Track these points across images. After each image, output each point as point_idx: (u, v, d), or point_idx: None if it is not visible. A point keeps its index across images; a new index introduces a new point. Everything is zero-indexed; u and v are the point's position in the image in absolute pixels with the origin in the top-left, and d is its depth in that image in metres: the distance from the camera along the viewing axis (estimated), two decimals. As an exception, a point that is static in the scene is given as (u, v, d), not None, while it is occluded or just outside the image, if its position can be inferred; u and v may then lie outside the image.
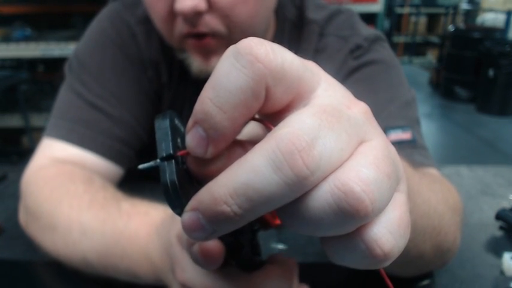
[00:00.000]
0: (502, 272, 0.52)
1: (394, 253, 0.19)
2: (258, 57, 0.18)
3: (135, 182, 0.57)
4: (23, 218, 0.55)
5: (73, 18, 2.74)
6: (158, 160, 0.20)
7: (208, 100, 0.18)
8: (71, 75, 0.63)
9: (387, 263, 0.19)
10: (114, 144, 0.60)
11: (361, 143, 0.19)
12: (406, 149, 0.54)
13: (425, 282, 0.49)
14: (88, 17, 0.71)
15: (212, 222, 0.18)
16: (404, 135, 0.56)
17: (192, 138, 0.19)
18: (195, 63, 0.57)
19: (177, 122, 0.22)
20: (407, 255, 0.39)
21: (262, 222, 0.33)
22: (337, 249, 0.19)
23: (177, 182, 0.19)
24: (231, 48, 0.19)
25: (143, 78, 0.64)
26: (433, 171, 0.53)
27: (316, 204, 0.18)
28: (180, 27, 0.53)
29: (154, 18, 0.56)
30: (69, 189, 0.52)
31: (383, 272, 0.23)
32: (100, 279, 0.47)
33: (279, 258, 0.34)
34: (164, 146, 0.20)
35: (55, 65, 2.43)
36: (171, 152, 0.20)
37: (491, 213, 0.63)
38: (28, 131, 2.52)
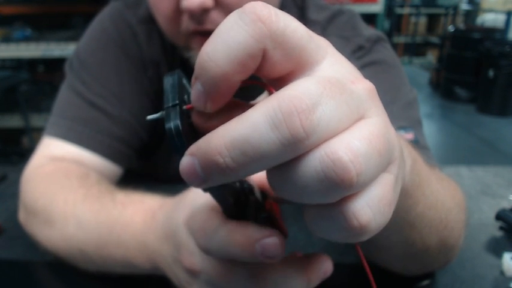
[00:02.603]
0: (502, 272, 0.52)
1: (370, 227, 0.19)
2: (261, 17, 0.19)
3: (134, 182, 0.57)
4: (22, 216, 0.55)
5: (73, 18, 2.74)
6: (164, 111, 0.21)
7: (205, 54, 0.19)
8: (71, 74, 0.63)
9: (364, 237, 0.19)
10: (113, 143, 0.60)
11: (360, 118, 0.20)
12: None
13: (426, 282, 0.49)
14: (88, 18, 0.71)
15: (205, 170, 0.19)
16: (406, 135, 0.56)
17: (193, 93, 0.20)
18: None
19: (185, 81, 0.24)
20: (412, 247, 0.39)
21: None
22: (317, 219, 0.20)
23: (180, 126, 0.20)
24: (238, 9, 0.19)
25: (144, 78, 0.64)
26: (436, 170, 0.53)
27: (304, 169, 0.18)
28: (186, 24, 0.53)
29: (158, 16, 0.56)
30: (64, 184, 0.52)
31: (359, 250, 0.23)
32: (99, 274, 0.47)
33: (301, 257, 0.30)
34: (171, 97, 0.21)
35: (55, 65, 2.43)
36: (177, 102, 0.21)
37: (491, 214, 0.63)
38: (28, 131, 2.52)
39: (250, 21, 0.19)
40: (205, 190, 0.24)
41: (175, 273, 0.35)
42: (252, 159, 0.18)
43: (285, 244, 0.26)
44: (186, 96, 0.22)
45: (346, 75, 0.21)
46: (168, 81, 0.22)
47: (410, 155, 0.31)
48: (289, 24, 0.19)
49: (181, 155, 0.20)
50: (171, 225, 0.36)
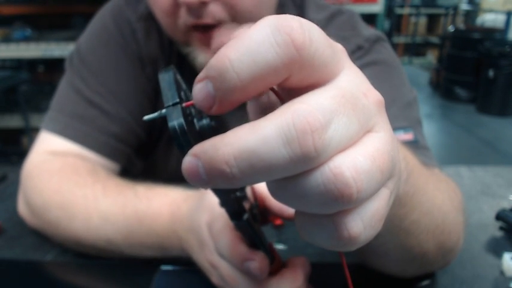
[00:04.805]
0: (502, 272, 0.52)
1: (359, 240, 0.19)
2: (296, 42, 0.17)
3: (132, 180, 0.57)
4: (24, 210, 0.57)
5: (73, 18, 2.75)
6: (164, 110, 0.20)
7: (227, 61, 0.18)
8: (71, 70, 0.64)
9: (351, 248, 0.20)
10: (110, 141, 0.61)
11: (368, 132, 0.20)
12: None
13: (426, 282, 0.49)
14: (88, 18, 0.71)
15: (209, 175, 0.18)
16: (406, 136, 0.56)
17: (200, 91, 0.19)
18: (201, 56, 0.57)
19: (178, 77, 0.23)
20: (410, 252, 0.39)
21: (264, 218, 0.35)
22: (307, 225, 0.20)
23: (184, 124, 0.19)
24: (271, 19, 0.18)
25: (142, 76, 0.64)
26: (436, 171, 0.53)
27: (306, 181, 0.18)
28: (184, 18, 0.53)
29: (157, 11, 0.56)
30: (77, 181, 0.53)
31: (343, 258, 0.24)
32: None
33: (294, 261, 0.37)
34: (170, 95, 0.20)
35: (55, 65, 2.43)
36: (178, 100, 0.20)
37: (491, 214, 0.63)
38: (28, 131, 2.52)
39: (283, 43, 0.17)
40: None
41: (200, 261, 0.41)
42: (259, 172, 0.17)
43: (267, 266, 0.33)
44: (182, 93, 0.22)
45: (360, 86, 0.20)
46: (164, 79, 0.21)
47: (407, 167, 0.31)
48: (319, 47, 0.18)
49: (186, 153, 0.19)
50: (195, 222, 0.41)
